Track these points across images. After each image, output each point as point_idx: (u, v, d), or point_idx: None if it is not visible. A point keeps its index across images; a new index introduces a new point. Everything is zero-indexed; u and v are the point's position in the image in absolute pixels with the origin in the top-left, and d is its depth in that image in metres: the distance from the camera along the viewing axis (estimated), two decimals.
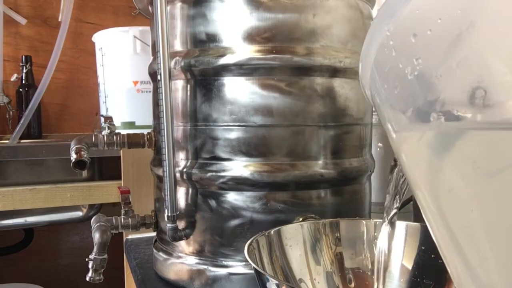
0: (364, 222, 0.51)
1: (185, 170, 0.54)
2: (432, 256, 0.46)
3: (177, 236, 0.53)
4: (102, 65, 1.30)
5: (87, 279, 0.58)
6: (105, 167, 1.27)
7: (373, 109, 0.66)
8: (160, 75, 0.50)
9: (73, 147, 0.57)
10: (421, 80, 0.22)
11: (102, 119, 0.95)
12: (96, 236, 0.57)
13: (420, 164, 0.24)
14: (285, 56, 0.50)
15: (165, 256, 0.57)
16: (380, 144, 0.81)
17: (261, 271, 0.37)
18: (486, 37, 0.19)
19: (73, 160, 0.56)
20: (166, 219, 0.52)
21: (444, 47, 0.21)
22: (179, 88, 0.54)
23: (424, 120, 0.22)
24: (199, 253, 0.54)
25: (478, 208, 0.20)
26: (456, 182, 0.21)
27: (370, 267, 0.49)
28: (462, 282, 0.22)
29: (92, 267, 0.58)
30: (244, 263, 0.51)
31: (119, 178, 1.07)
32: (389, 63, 0.25)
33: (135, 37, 1.23)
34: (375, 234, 0.49)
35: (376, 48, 0.27)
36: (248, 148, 0.51)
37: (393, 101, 0.25)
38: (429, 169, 0.23)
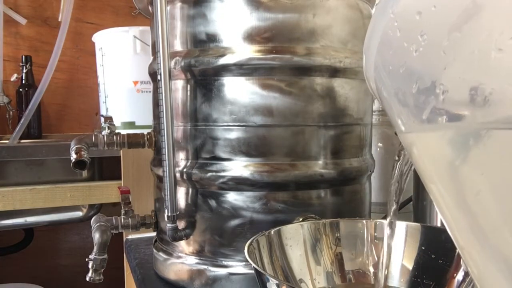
0: (364, 222, 0.51)
1: (185, 170, 0.54)
2: (432, 256, 0.45)
3: (177, 236, 0.53)
4: (102, 65, 1.30)
5: (87, 279, 0.58)
6: (105, 167, 1.27)
7: (373, 109, 0.66)
8: (160, 75, 0.50)
9: (73, 147, 0.57)
10: (427, 55, 0.22)
11: (102, 119, 0.95)
12: (96, 236, 0.57)
13: (432, 155, 0.24)
14: (285, 56, 0.50)
15: (165, 256, 0.57)
16: (380, 144, 0.81)
17: (262, 271, 0.37)
18: (492, 10, 0.19)
19: (73, 160, 0.56)
20: (166, 219, 0.52)
21: (449, 21, 0.21)
22: (179, 88, 0.54)
23: (433, 120, 0.22)
24: (199, 253, 0.54)
25: (488, 175, 0.19)
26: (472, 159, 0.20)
27: (370, 267, 0.49)
28: (482, 270, 0.22)
29: (92, 267, 0.58)
30: (244, 263, 0.51)
31: (119, 178, 1.07)
32: (394, 45, 0.25)
33: (135, 37, 1.23)
34: (375, 234, 0.49)
35: (380, 33, 0.27)
36: (248, 148, 0.51)
37: (399, 82, 0.25)
38: (444, 160, 0.23)
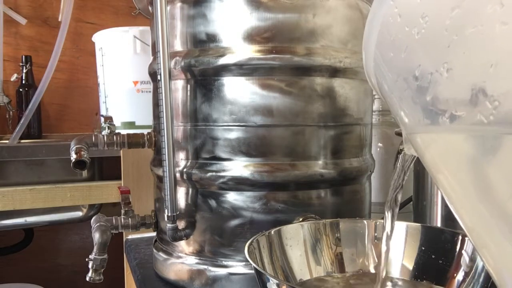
0: (364, 222, 0.51)
1: (185, 170, 0.54)
2: (432, 256, 0.45)
3: (177, 236, 0.53)
4: (102, 65, 1.30)
5: (87, 279, 0.58)
6: (105, 167, 1.28)
7: (373, 109, 0.66)
8: (160, 75, 0.50)
9: (73, 147, 0.57)
10: (429, 36, 0.22)
11: (102, 119, 0.95)
12: (96, 236, 0.57)
13: (439, 142, 0.23)
14: (285, 56, 0.50)
15: (165, 256, 0.57)
16: (380, 144, 0.81)
17: (262, 270, 0.37)
18: None
19: (73, 160, 0.56)
20: (166, 219, 0.52)
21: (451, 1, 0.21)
22: (179, 88, 0.54)
23: (435, 120, 0.21)
24: (199, 253, 0.54)
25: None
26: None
27: (370, 267, 0.49)
28: (496, 256, 0.21)
29: (92, 267, 0.58)
30: (244, 263, 0.51)
31: (119, 178, 1.07)
32: (395, 31, 0.25)
33: (135, 37, 1.23)
34: (375, 234, 0.49)
35: (380, 23, 0.26)
36: (248, 148, 0.51)
37: (401, 68, 0.25)
38: (451, 146, 0.22)
